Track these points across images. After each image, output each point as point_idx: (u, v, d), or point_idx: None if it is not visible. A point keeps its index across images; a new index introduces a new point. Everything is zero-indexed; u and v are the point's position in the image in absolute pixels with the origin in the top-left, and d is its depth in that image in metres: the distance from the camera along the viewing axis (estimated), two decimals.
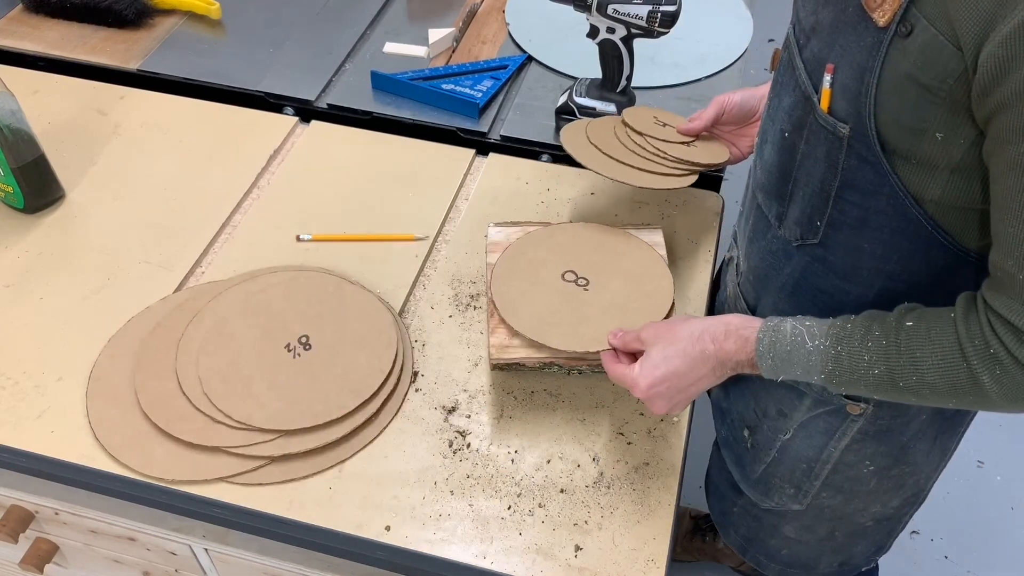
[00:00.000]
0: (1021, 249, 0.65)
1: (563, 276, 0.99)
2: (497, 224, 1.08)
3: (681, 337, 0.83)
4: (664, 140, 1.05)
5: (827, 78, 0.73)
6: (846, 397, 0.91)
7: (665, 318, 0.95)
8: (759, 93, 1.04)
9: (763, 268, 0.93)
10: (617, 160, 1.03)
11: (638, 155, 1.04)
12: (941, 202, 0.73)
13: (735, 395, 1.08)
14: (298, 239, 1.11)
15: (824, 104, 0.74)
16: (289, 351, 0.96)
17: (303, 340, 0.97)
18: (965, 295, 0.73)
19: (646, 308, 0.96)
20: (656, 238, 1.06)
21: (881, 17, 0.67)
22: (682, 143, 1.06)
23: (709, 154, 1.06)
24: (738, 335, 0.81)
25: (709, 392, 1.19)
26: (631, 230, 1.06)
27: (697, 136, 1.07)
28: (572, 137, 1.06)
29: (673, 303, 0.97)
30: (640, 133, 1.06)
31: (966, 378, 0.71)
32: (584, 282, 0.99)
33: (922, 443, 0.96)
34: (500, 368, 0.97)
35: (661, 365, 0.82)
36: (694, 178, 1.04)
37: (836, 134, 0.74)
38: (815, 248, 0.84)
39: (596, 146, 1.05)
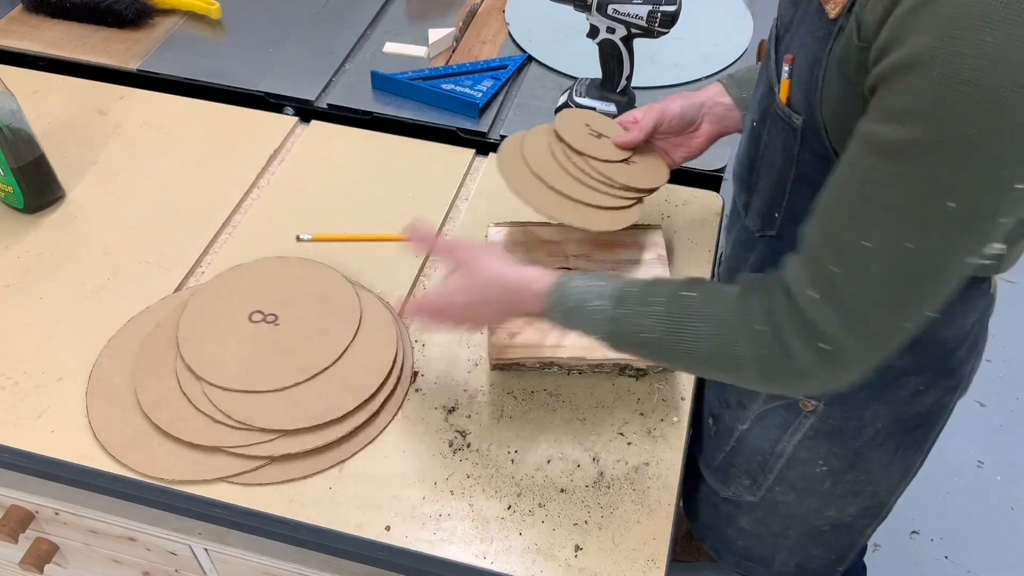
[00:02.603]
0: (828, 219, 0.65)
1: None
2: (497, 224, 1.08)
3: (479, 273, 0.84)
4: (606, 160, 0.98)
5: (785, 69, 0.74)
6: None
7: None
8: (699, 101, 1.00)
9: (734, 257, 0.95)
10: (561, 193, 0.96)
11: (583, 183, 0.97)
12: None
13: (707, 383, 1.09)
14: (298, 239, 1.11)
15: (783, 95, 0.75)
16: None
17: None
18: (747, 275, 0.75)
19: None
20: (656, 238, 1.06)
21: (832, 9, 0.67)
22: (622, 160, 0.99)
23: (650, 173, 1.00)
24: (528, 287, 0.82)
25: None
26: (629, 230, 1.06)
27: (634, 149, 1.01)
28: (510, 163, 0.98)
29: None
30: (579, 152, 0.98)
31: (727, 353, 0.71)
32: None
33: (879, 453, 0.97)
34: (500, 368, 0.97)
35: (455, 296, 0.85)
36: (642, 208, 0.99)
37: (792, 125, 0.75)
38: (772, 240, 0.85)
39: (537, 174, 0.97)
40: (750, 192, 0.87)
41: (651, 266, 1.01)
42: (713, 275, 1.10)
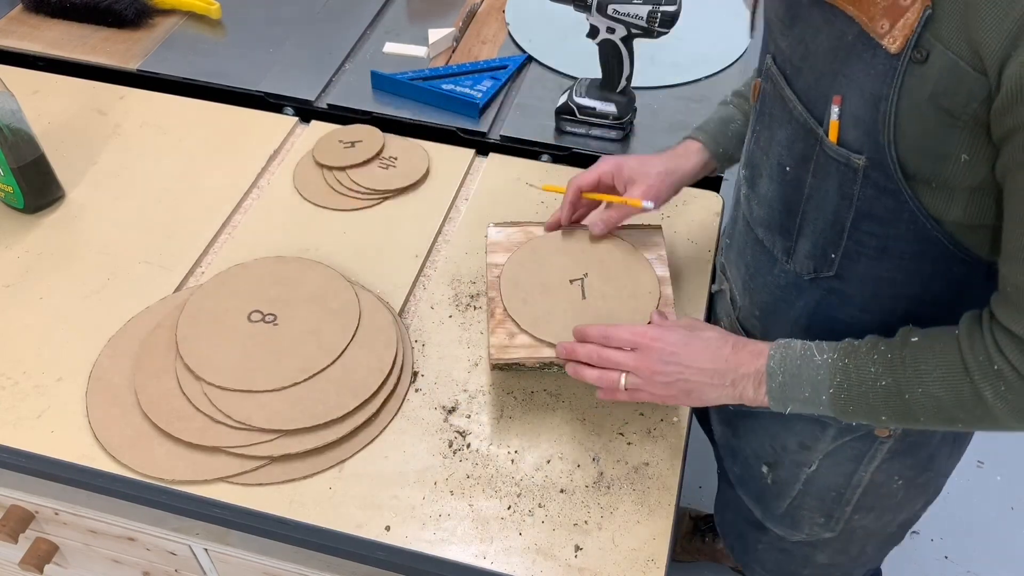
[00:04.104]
0: None
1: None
2: (497, 224, 1.08)
3: (712, 328, 0.86)
4: (362, 163, 1.20)
5: (835, 109, 0.72)
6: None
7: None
8: (679, 174, 0.99)
9: (771, 303, 0.92)
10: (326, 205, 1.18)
11: (336, 192, 1.18)
12: (961, 223, 0.72)
13: (745, 432, 1.06)
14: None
15: (832, 136, 0.73)
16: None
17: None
18: (970, 314, 0.74)
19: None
20: (656, 238, 1.06)
21: (892, 44, 0.65)
22: (373, 158, 1.21)
23: (401, 175, 1.20)
24: (753, 346, 0.82)
25: (711, 431, 1.19)
26: (630, 231, 1.06)
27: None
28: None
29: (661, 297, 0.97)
30: (332, 168, 1.19)
31: (970, 393, 0.71)
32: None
33: (945, 447, 0.96)
34: (500, 368, 0.97)
35: (679, 331, 0.84)
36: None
37: (850, 165, 0.73)
38: (830, 280, 0.83)
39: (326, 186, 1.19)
40: (792, 237, 0.84)
41: (652, 266, 1.01)
42: (713, 278, 1.10)
